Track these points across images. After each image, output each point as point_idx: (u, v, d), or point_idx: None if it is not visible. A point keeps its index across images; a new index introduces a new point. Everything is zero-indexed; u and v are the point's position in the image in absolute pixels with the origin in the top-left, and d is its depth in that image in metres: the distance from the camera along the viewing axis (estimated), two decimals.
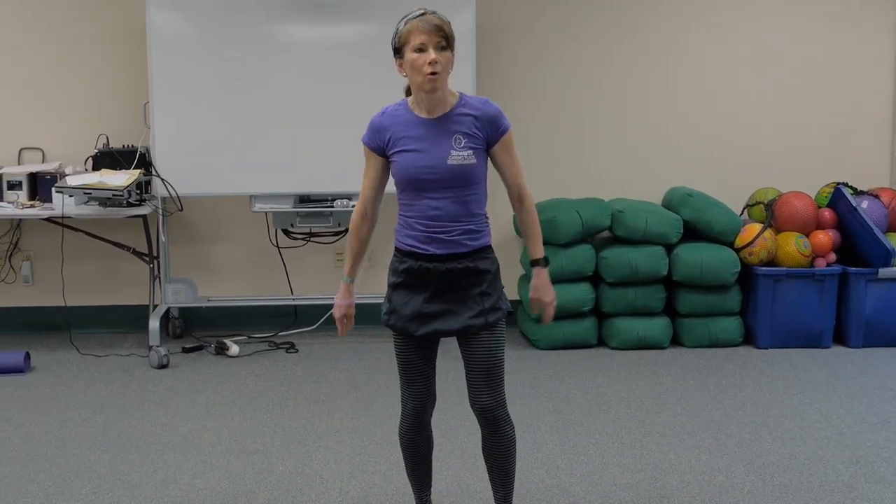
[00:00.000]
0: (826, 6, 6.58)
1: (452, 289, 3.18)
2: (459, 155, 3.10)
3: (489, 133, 3.14)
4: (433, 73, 3.02)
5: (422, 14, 3.07)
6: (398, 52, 3.12)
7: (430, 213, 3.13)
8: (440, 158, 3.10)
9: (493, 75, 6.29)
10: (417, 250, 3.18)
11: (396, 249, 3.26)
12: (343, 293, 3.35)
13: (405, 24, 3.08)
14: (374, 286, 6.60)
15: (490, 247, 3.25)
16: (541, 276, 3.28)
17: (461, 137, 3.12)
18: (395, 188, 3.22)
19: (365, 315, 6.62)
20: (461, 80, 6.04)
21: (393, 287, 3.28)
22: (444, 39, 3.04)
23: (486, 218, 3.24)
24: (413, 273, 3.20)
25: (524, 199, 3.25)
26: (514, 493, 3.43)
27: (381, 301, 6.50)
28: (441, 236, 3.15)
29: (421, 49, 3.03)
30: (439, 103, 3.13)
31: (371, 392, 5.24)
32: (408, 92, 3.22)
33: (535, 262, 3.27)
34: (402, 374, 3.33)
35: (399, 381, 3.36)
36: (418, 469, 3.50)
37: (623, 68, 6.57)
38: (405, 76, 3.12)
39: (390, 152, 3.19)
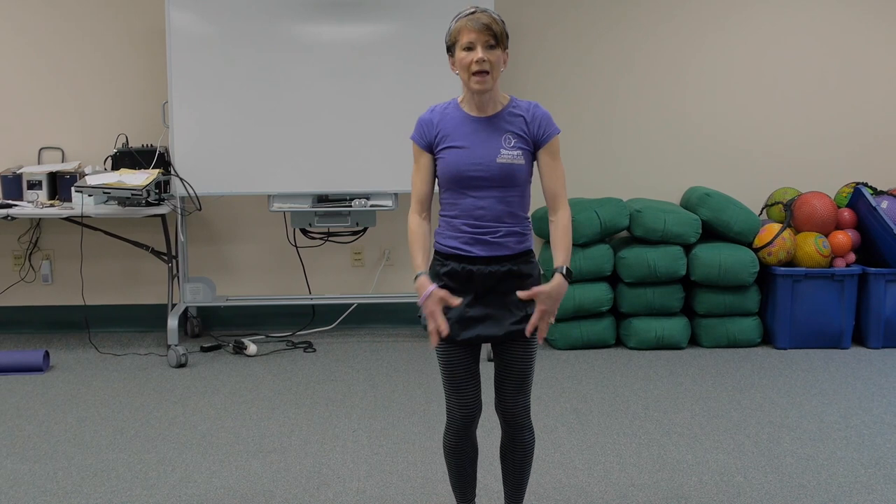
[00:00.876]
0: (846, 6, 6.54)
1: (495, 292, 3.16)
2: (509, 154, 3.10)
3: (537, 136, 3.14)
4: (480, 72, 3.03)
5: (472, 12, 3.07)
6: (450, 50, 3.12)
7: (475, 213, 3.11)
8: (489, 156, 3.09)
9: (511, 75, 6.28)
10: (461, 252, 3.16)
11: (437, 253, 3.24)
12: (425, 283, 3.11)
13: (456, 22, 3.09)
14: (393, 286, 6.62)
15: (532, 251, 3.24)
16: (559, 285, 3.09)
17: (511, 137, 3.12)
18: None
19: (383, 314, 6.66)
20: None
21: None
22: (493, 38, 3.03)
23: (529, 222, 3.23)
24: (455, 276, 3.17)
25: (559, 210, 3.16)
26: (526, 496, 3.45)
27: (400, 300, 6.56)
28: (486, 238, 3.13)
29: (469, 47, 3.04)
30: (490, 102, 3.14)
31: (389, 392, 5.24)
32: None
33: (558, 269, 3.12)
34: (448, 383, 3.25)
35: (444, 390, 3.28)
36: (463, 480, 3.41)
37: (642, 69, 6.55)
38: (457, 74, 3.12)
39: (438, 149, 3.18)
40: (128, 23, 6.29)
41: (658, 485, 4.00)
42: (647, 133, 6.62)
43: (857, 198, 6.18)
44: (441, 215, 3.22)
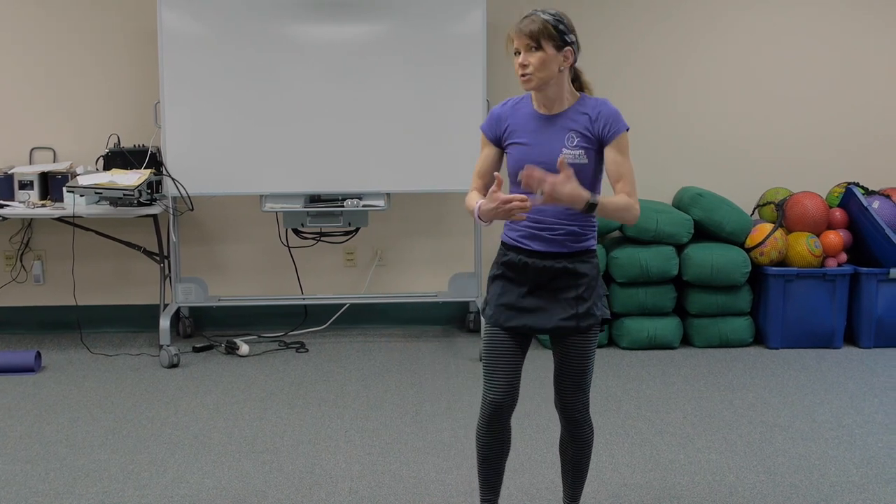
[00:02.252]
0: (839, 7, 6.56)
1: (549, 287, 3.21)
2: (571, 154, 3.14)
3: (602, 133, 3.16)
4: (524, 75, 3.12)
5: (522, 18, 3.15)
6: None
7: (535, 209, 3.12)
8: (551, 154, 3.12)
9: (505, 76, 6.28)
10: (520, 245, 3.23)
11: (502, 243, 3.31)
12: (472, 204, 3.18)
13: (511, 27, 3.18)
14: (385, 286, 6.62)
15: (593, 251, 3.27)
16: (577, 190, 2.99)
17: (574, 136, 3.16)
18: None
19: (375, 314, 6.66)
20: (471, 83, 6.08)
21: (492, 279, 3.32)
22: (535, 41, 3.09)
23: (595, 222, 3.26)
24: (512, 266, 3.24)
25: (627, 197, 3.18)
26: (582, 493, 3.53)
27: (392, 300, 6.56)
28: (543, 234, 3.19)
29: (517, 52, 3.14)
30: (556, 100, 3.19)
31: (381, 392, 5.24)
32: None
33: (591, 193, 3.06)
34: (486, 366, 3.27)
35: (483, 377, 3.30)
36: (487, 472, 3.37)
37: (634, 69, 6.56)
38: None
39: (506, 143, 3.26)
40: (119, 23, 6.27)
41: (650, 484, 4.01)
42: (639, 133, 6.58)
43: (848, 198, 6.20)
44: None
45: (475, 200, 3.18)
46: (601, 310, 3.27)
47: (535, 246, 3.20)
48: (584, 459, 3.44)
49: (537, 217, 3.17)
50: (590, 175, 3.17)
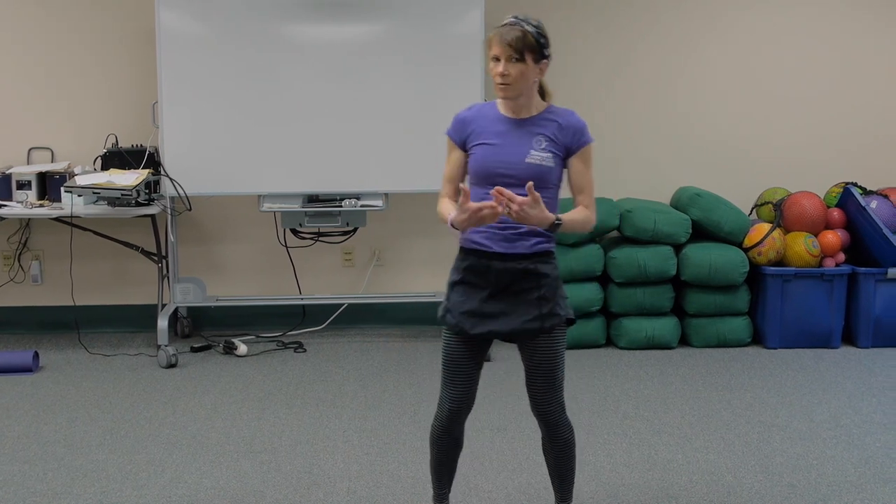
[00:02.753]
0: (838, 8, 6.56)
1: (510, 290, 3.20)
2: (539, 155, 3.16)
3: (570, 142, 3.20)
4: (503, 84, 3.13)
5: (504, 25, 3.15)
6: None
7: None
8: (519, 155, 3.15)
9: None
10: (480, 248, 3.21)
11: (461, 248, 3.29)
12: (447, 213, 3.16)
13: (491, 32, 3.17)
14: (383, 286, 6.62)
15: (553, 253, 3.28)
16: (544, 214, 3.04)
17: (542, 140, 3.18)
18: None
19: (373, 314, 6.66)
20: (470, 83, 6.08)
21: (452, 285, 3.29)
22: (518, 53, 3.09)
23: None
24: (474, 270, 3.23)
25: (584, 207, 3.26)
26: (572, 493, 3.52)
27: (391, 301, 6.56)
28: (506, 233, 3.18)
29: (496, 59, 3.13)
30: (524, 107, 3.22)
31: (379, 392, 5.24)
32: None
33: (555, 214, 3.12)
34: (445, 374, 3.30)
35: (441, 381, 3.33)
36: (442, 468, 3.47)
37: (632, 69, 6.56)
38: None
39: (469, 145, 3.25)
40: (117, 22, 6.27)
41: (648, 484, 4.01)
42: (638, 133, 6.62)
43: (846, 198, 6.20)
44: None
45: (447, 209, 3.19)
46: (564, 309, 3.28)
47: (497, 248, 3.19)
48: (569, 461, 3.43)
49: (498, 224, 3.16)
50: (552, 180, 3.20)
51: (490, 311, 3.21)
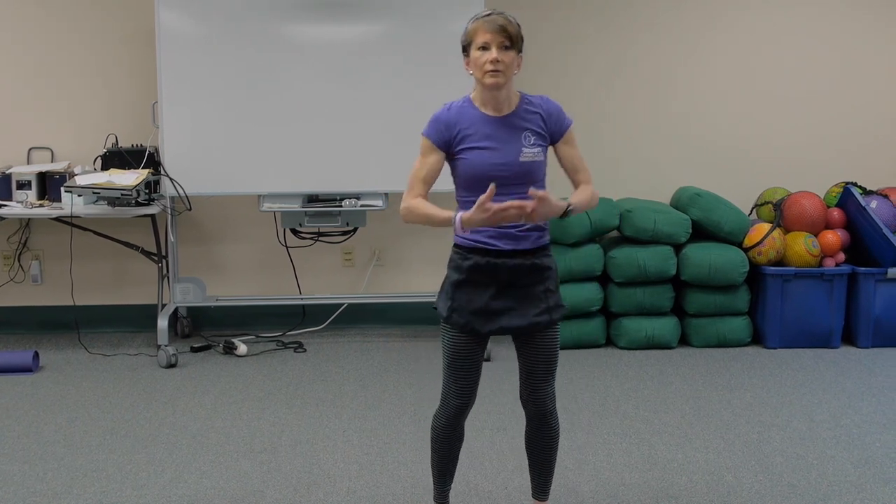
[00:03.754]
0: (837, 8, 6.56)
1: (517, 285, 3.23)
2: (530, 152, 3.18)
3: (553, 129, 3.24)
4: (494, 71, 3.10)
5: (488, 14, 3.14)
6: (465, 50, 3.19)
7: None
8: (512, 156, 3.16)
9: None
10: (485, 246, 3.21)
11: (458, 246, 3.27)
12: (453, 217, 3.08)
13: (472, 23, 3.16)
14: (383, 286, 6.62)
15: (549, 246, 3.31)
16: (559, 205, 3.07)
17: (530, 135, 3.19)
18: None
19: (373, 314, 6.65)
20: (469, 82, 6.04)
21: (456, 285, 3.26)
22: (508, 39, 3.11)
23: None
24: (479, 269, 3.22)
25: (585, 183, 3.30)
26: (550, 489, 3.55)
27: (390, 300, 6.55)
28: (511, 231, 3.19)
29: (484, 47, 3.11)
30: (505, 101, 3.21)
31: (379, 392, 5.24)
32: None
33: (567, 200, 3.17)
34: (451, 372, 3.31)
35: (444, 377, 3.34)
36: (444, 464, 3.48)
37: (632, 68, 6.56)
38: (471, 74, 3.19)
39: (457, 148, 3.20)
40: (117, 22, 6.27)
41: (648, 484, 4.01)
42: (638, 133, 6.62)
43: (846, 197, 6.20)
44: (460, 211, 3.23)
45: (431, 209, 3.14)
46: (562, 300, 3.34)
47: (503, 245, 3.19)
48: (553, 453, 3.47)
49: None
50: (543, 171, 3.22)
51: (498, 308, 3.22)
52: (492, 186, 2.96)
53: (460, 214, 3.04)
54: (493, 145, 3.17)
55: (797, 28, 6.57)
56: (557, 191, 3.21)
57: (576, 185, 3.30)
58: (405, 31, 5.86)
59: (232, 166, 5.88)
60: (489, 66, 3.09)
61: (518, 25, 3.16)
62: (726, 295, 6.05)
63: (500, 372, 5.44)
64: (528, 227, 3.19)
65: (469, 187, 3.18)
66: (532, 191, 2.97)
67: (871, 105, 6.65)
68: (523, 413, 3.47)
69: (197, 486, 3.99)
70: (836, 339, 6.09)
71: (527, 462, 3.56)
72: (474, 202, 3.06)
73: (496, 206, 2.95)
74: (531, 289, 3.24)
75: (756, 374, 5.56)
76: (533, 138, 3.19)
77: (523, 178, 3.15)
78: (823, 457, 4.29)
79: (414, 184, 3.23)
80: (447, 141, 3.20)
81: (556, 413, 3.42)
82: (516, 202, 2.96)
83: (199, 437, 4.55)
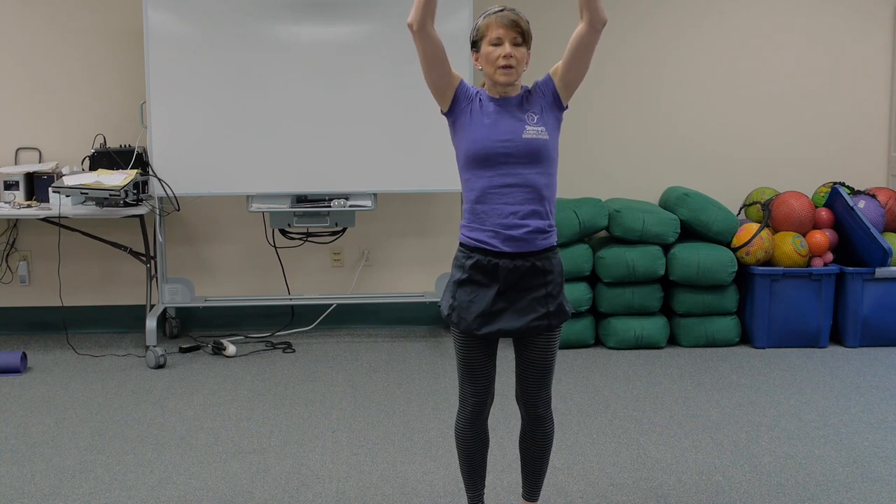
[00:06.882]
0: (824, 7, 6.58)
1: (518, 287, 3.22)
2: (534, 129, 3.18)
3: (545, 89, 3.26)
4: (507, 66, 3.13)
5: (500, 10, 3.17)
6: (475, 45, 3.22)
7: (500, 212, 3.16)
8: (515, 132, 3.17)
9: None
10: (486, 246, 3.21)
11: (462, 245, 3.29)
12: None
13: (484, 18, 3.19)
14: (372, 286, 6.62)
15: (556, 248, 3.30)
16: None
17: (533, 115, 3.21)
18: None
19: (362, 315, 6.65)
20: None
21: (458, 283, 3.27)
22: (521, 35, 3.15)
23: (554, 218, 3.28)
24: (481, 268, 3.22)
25: None
26: (541, 490, 3.55)
27: (380, 301, 6.54)
28: (511, 233, 3.18)
29: (497, 43, 3.14)
30: (511, 92, 3.24)
31: (368, 392, 5.24)
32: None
33: None
34: (464, 372, 3.32)
35: (459, 379, 3.36)
36: (472, 467, 3.46)
37: (621, 68, 6.57)
38: (480, 70, 3.23)
39: (463, 105, 3.24)
40: (105, 22, 6.26)
41: (637, 484, 4.01)
42: (626, 133, 6.64)
43: (834, 197, 6.22)
44: (466, 208, 3.27)
45: None
46: (568, 306, 3.33)
47: (504, 247, 3.19)
48: (547, 454, 3.47)
49: (503, 221, 3.18)
50: (552, 153, 3.22)
51: (498, 310, 3.22)
52: None
53: None
54: (496, 121, 3.18)
55: (785, 28, 6.59)
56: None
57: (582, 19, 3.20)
58: (392, 32, 5.86)
59: (220, 167, 5.88)
60: (502, 62, 3.13)
61: (528, 22, 3.19)
62: (715, 295, 6.06)
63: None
64: (530, 228, 3.18)
65: (475, 167, 3.19)
66: None
67: (859, 105, 6.67)
68: (517, 412, 3.47)
69: (186, 487, 3.98)
70: (824, 338, 6.10)
71: (519, 461, 3.56)
72: (478, 185, 3.14)
73: None
74: (531, 292, 3.22)
75: (745, 373, 5.57)
76: (536, 117, 3.20)
77: (529, 158, 3.15)
78: (812, 456, 4.30)
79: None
80: (461, 92, 3.25)
81: (551, 417, 3.41)
82: None
83: (187, 438, 4.54)
